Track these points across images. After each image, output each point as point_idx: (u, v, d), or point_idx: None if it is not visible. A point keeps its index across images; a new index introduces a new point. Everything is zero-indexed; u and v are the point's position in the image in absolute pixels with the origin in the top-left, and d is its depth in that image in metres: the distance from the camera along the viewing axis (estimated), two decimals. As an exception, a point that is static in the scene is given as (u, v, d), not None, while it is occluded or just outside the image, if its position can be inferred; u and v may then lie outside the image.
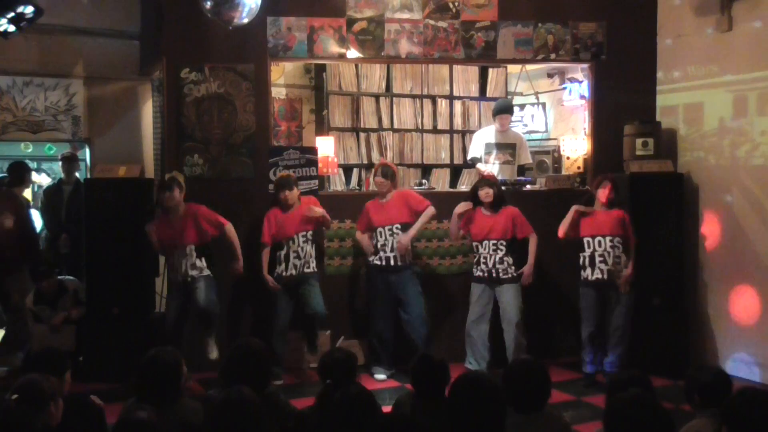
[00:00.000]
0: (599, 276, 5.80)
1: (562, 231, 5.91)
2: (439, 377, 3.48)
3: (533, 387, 3.11)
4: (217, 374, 4.67)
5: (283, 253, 5.98)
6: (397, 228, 6.04)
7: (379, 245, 6.06)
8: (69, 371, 3.48)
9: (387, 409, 3.36)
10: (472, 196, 6.03)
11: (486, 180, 6.10)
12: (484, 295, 5.97)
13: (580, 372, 6.05)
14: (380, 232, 6.05)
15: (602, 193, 5.88)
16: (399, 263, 6.04)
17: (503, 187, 6.34)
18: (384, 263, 6.03)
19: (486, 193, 5.93)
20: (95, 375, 5.80)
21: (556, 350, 6.54)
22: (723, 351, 6.38)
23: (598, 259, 5.80)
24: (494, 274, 5.91)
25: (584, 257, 5.87)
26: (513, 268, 5.92)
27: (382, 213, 6.09)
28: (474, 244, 6.00)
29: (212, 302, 5.77)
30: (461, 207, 5.98)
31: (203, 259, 5.80)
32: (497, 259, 5.89)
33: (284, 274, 5.97)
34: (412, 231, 6.06)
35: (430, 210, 6.10)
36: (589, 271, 5.84)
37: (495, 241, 5.90)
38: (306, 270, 5.99)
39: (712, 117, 6.50)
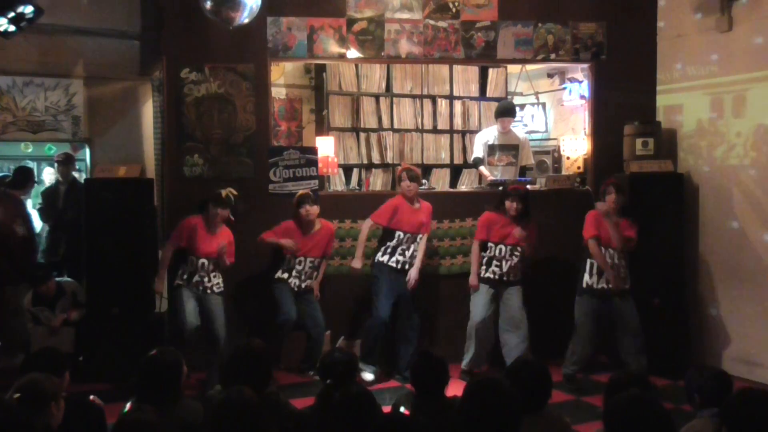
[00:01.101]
0: (604, 285, 5.76)
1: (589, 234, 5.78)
2: (439, 375, 3.48)
3: (534, 387, 3.11)
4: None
5: (289, 265, 6.04)
6: (420, 237, 6.05)
7: (400, 248, 6.01)
8: (68, 371, 3.48)
9: (387, 409, 3.36)
10: (499, 202, 5.97)
11: (516, 191, 5.93)
12: (491, 297, 5.94)
13: (581, 372, 6.06)
14: (408, 237, 6.00)
15: (610, 200, 5.78)
16: (409, 268, 6.06)
17: (500, 188, 6.33)
18: (399, 267, 6.01)
19: (514, 208, 5.85)
20: (95, 375, 5.80)
21: (557, 351, 6.53)
22: (723, 351, 6.38)
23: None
24: (505, 278, 5.92)
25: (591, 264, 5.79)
26: (520, 271, 5.97)
27: (413, 220, 6.03)
28: (489, 245, 5.95)
29: (225, 330, 5.72)
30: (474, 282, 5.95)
31: (219, 275, 5.79)
32: (513, 264, 5.91)
33: (289, 281, 6.04)
34: (419, 264, 6.07)
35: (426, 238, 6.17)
36: (595, 278, 5.79)
37: (513, 246, 5.89)
38: (305, 287, 6.07)
39: (711, 116, 6.50)
